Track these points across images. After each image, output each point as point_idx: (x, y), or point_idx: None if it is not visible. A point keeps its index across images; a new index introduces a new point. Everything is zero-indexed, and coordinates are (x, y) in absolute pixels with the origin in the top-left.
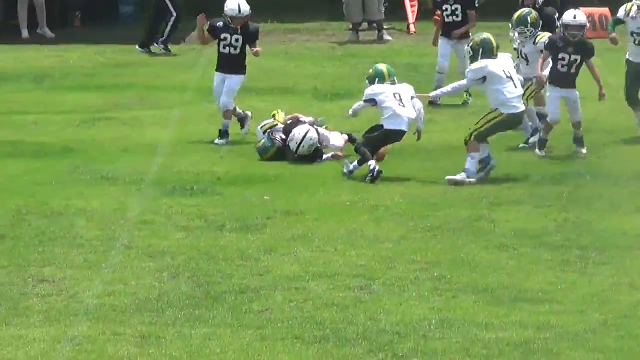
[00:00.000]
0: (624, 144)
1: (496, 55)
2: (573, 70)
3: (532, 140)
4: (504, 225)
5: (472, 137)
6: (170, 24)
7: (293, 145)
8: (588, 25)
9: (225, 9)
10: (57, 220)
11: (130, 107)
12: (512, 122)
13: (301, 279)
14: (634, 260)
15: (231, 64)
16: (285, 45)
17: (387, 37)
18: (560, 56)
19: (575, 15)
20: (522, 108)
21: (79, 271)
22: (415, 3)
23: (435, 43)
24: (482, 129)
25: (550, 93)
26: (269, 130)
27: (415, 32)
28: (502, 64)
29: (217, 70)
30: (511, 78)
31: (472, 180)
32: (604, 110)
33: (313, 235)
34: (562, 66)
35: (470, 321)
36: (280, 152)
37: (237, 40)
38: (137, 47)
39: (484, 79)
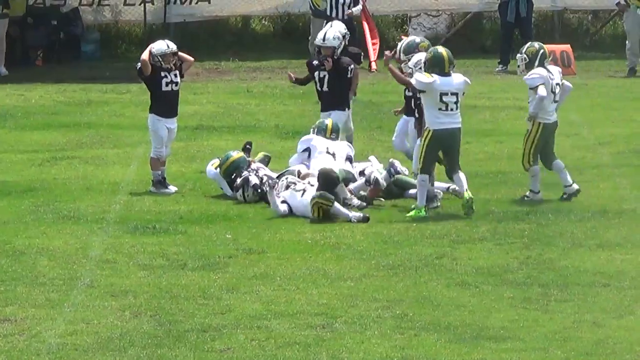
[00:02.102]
0: (586, 180)
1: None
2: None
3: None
4: (466, 263)
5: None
6: None
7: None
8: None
9: (153, 50)
10: (20, 259)
11: (92, 145)
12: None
13: (263, 318)
14: (596, 297)
15: (174, 103)
16: (246, 83)
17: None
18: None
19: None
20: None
21: (41, 310)
22: (377, 41)
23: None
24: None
25: None
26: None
27: (377, 70)
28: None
29: (163, 115)
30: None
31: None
32: (566, 147)
33: (275, 274)
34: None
35: (432, 359)
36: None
37: (175, 76)
38: None
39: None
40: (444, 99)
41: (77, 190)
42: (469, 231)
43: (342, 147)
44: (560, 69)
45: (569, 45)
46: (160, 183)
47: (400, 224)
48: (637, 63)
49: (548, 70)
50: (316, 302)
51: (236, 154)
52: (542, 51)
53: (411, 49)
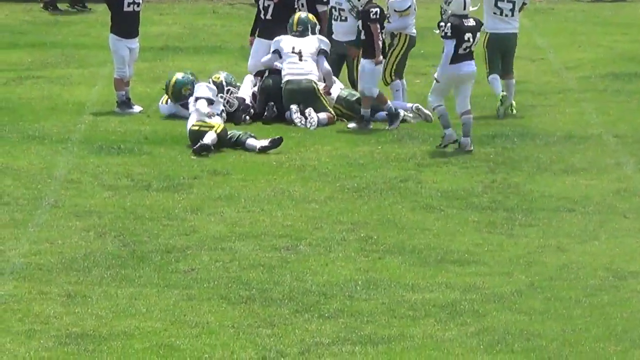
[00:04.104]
0: (551, 105)
1: None
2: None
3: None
4: (430, 186)
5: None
6: None
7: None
8: None
9: None
10: None
11: (57, 65)
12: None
13: (227, 239)
14: (561, 222)
15: (135, 24)
16: (212, 4)
17: None
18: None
19: None
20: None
21: (5, 230)
22: None
23: None
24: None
25: None
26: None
27: None
28: None
29: (123, 36)
30: None
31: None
32: (532, 71)
33: (239, 195)
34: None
35: (396, 282)
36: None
37: None
38: None
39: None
40: (499, 4)
41: (42, 110)
42: (433, 154)
43: (310, 43)
44: None
45: None
46: (125, 103)
47: (366, 146)
48: None
49: None
50: (281, 224)
51: (176, 75)
52: None
53: None
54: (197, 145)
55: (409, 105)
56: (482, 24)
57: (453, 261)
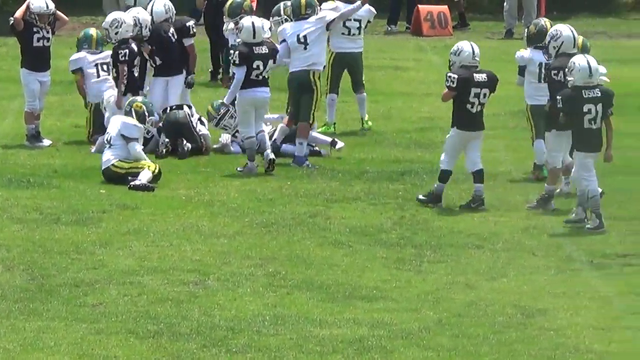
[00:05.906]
0: None
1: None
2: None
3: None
4: (339, 222)
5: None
6: None
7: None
8: None
9: (31, 6)
10: None
11: None
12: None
13: (136, 273)
14: (469, 258)
15: (45, 58)
16: None
17: None
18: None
19: None
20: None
21: None
22: None
23: None
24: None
25: None
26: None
27: None
28: None
29: (34, 69)
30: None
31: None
32: (442, 108)
33: (148, 230)
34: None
35: (304, 317)
36: None
37: (48, 32)
38: None
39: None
40: (347, 23)
41: None
42: (343, 190)
43: (314, 23)
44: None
45: (446, 6)
46: (34, 137)
47: (275, 181)
48: (514, 25)
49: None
50: (189, 258)
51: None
52: None
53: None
54: (137, 184)
55: (329, 139)
56: (277, 51)
57: (361, 297)
